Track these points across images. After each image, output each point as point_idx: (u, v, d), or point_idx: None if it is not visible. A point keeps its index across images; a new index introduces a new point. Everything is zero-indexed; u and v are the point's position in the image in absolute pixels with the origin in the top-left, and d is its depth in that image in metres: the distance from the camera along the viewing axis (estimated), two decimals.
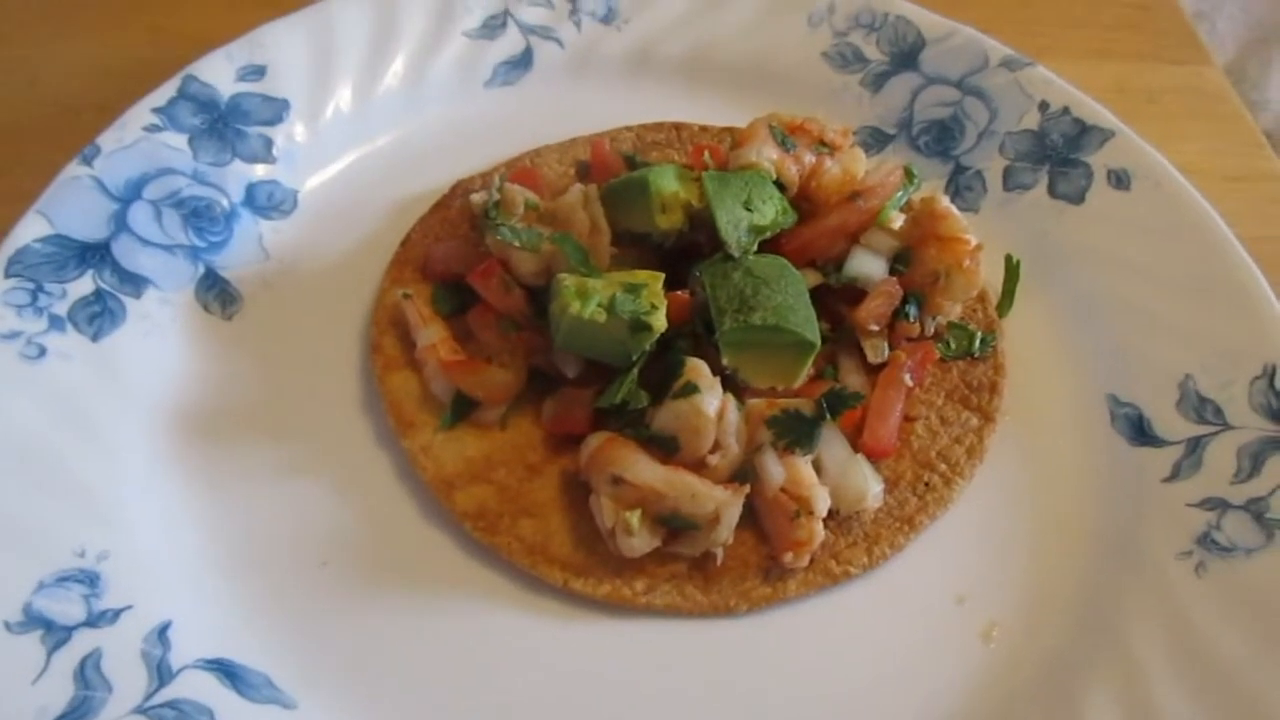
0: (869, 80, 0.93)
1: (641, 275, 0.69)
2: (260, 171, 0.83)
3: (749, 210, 0.73)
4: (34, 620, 0.56)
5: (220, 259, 0.79)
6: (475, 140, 0.90)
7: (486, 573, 0.66)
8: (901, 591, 0.66)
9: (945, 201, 0.75)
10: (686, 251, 0.75)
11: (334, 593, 0.64)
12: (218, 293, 0.77)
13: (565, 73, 0.95)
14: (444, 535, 0.67)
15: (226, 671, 0.58)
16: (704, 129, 0.91)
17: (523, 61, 0.94)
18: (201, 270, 0.78)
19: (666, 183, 0.74)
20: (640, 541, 0.63)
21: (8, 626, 0.56)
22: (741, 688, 0.62)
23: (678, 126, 0.92)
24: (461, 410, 0.70)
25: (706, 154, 0.80)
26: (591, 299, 0.66)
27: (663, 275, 0.69)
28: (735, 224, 0.72)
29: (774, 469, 0.65)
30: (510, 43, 0.94)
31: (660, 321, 0.67)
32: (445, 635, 0.63)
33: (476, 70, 0.93)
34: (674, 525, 0.64)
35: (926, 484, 0.69)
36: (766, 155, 0.76)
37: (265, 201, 0.83)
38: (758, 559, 0.66)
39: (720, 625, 0.65)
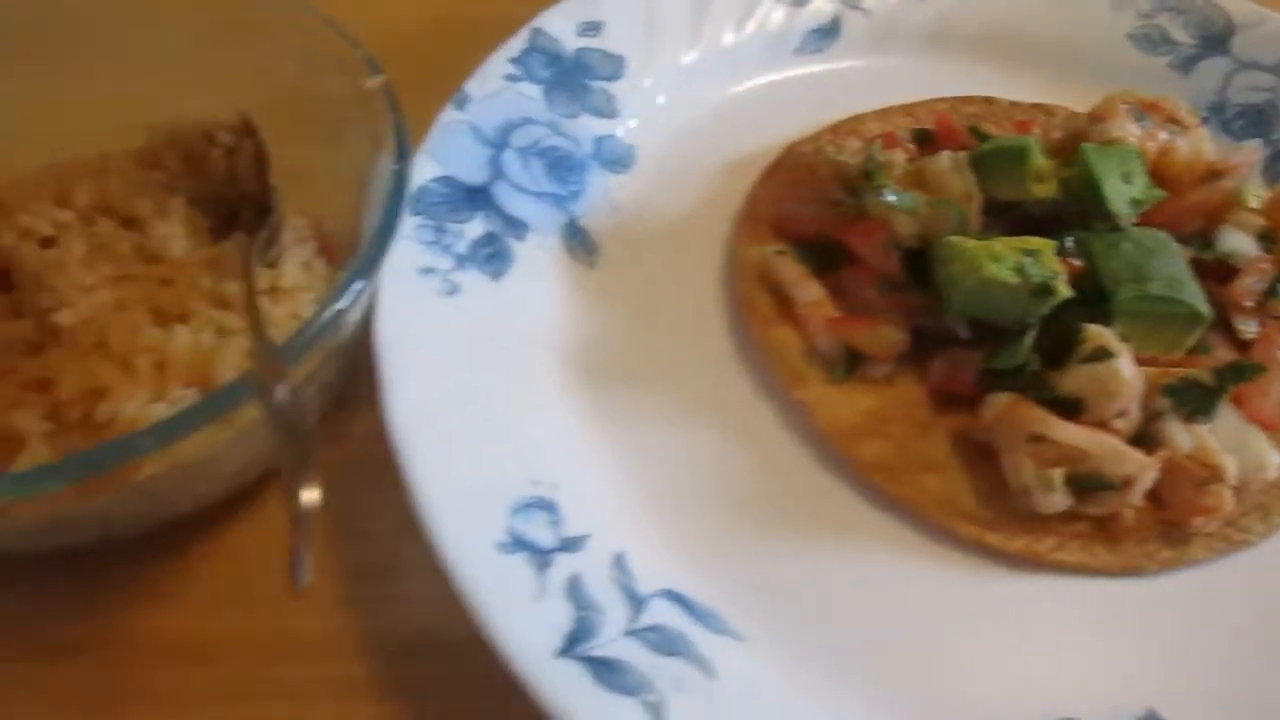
0: (1177, 63, 0.94)
1: (1034, 242, 0.71)
2: (605, 126, 0.85)
3: (1126, 183, 0.74)
4: (518, 542, 0.58)
5: (578, 208, 0.80)
6: (788, 106, 0.91)
7: (890, 524, 0.67)
8: None
9: None
10: (1048, 222, 0.76)
11: (752, 536, 0.66)
12: (579, 241, 0.79)
13: (869, 42, 0.96)
14: (842, 485, 0.69)
15: (682, 602, 0.60)
16: (1014, 104, 0.92)
17: (831, 30, 0.95)
18: (565, 218, 0.79)
19: (1037, 152, 0.75)
20: (1060, 499, 0.64)
21: (500, 547, 0.57)
22: (1146, 645, 0.64)
23: (989, 100, 0.93)
24: (851, 365, 0.72)
25: (1037, 128, 0.81)
26: (1004, 262, 0.68)
27: (1054, 243, 0.71)
28: (1118, 195, 0.73)
29: (1180, 436, 0.66)
30: (819, 10, 0.95)
31: (1063, 287, 0.68)
32: (859, 581, 0.64)
33: (788, 37, 0.94)
34: (1088, 485, 0.65)
35: None
36: (1130, 131, 0.77)
37: (609, 155, 0.84)
38: (1154, 523, 0.68)
39: (1118, 584, 0.66)
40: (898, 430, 0.70)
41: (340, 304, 0.53)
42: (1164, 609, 0.65)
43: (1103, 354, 0.66)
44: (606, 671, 0.54)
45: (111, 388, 0.55)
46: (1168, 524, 0.67)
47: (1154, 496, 0.68)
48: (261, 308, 0.53)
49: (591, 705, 0.52)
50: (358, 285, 0.54)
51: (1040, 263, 0.69)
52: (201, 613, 0.62)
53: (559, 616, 0.56)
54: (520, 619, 0.54)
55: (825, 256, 0.77)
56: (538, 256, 0.76)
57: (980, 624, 0.64)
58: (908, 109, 0.91)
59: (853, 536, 0.67)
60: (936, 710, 0.60)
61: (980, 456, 0.69)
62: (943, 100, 0.92)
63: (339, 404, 0.69)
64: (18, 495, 0.47)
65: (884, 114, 0.90)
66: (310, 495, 0.36)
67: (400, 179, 0.59)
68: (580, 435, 0.68)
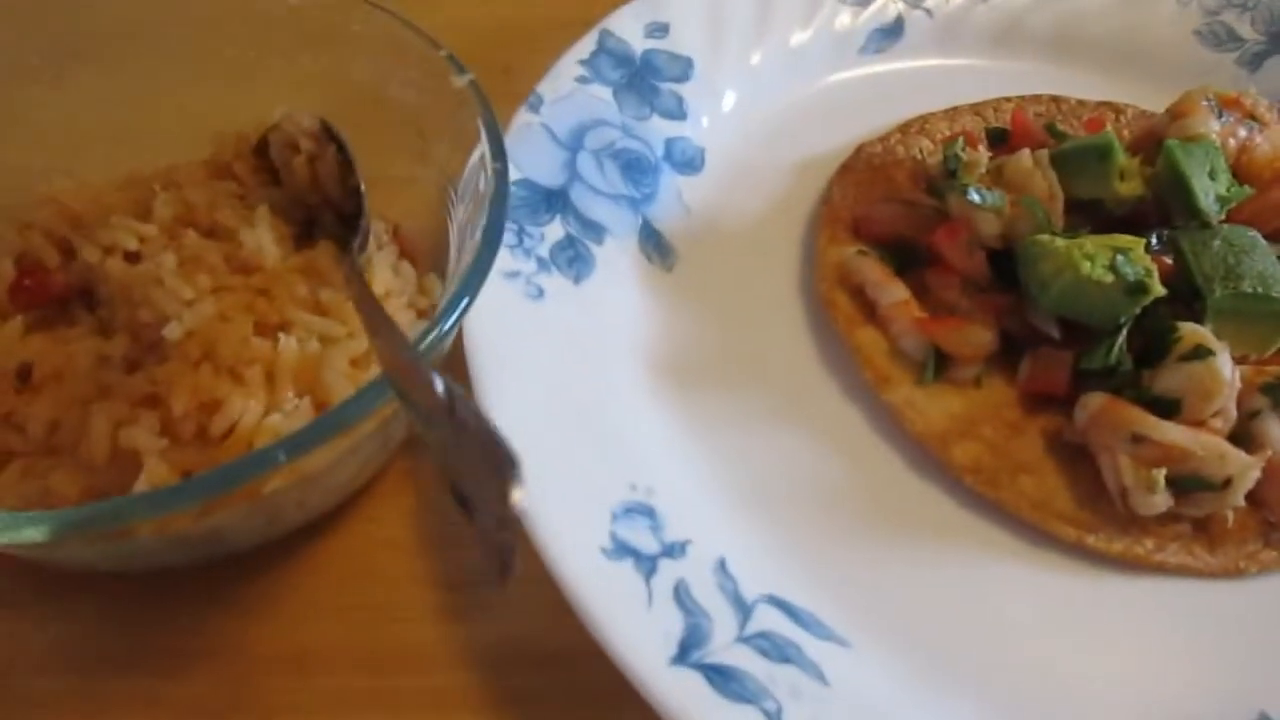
0: (1245, 59, 0.93)
1: (1123, 240, 0.70)
2: (675, 128, 0.84)
3: (1212, 180, 0.73)
4: (622, 549, 0.58)
5: (652, 211, 0.80)
6: (854, 106, 0.91)
7: (985, 526, 0.67)
8: None
9: None
10: (1128, 220, 0.76)
11: (848, 540, 0.65)
12: (655, 244, 0.79)
13: (933, 42, 0.96)
14: (934, 488, 0.68)
15: (785, 608, 0.60)
16: (1081, 103, 0.92)
17: (894, 30, 0.95)
18: (640, 221, 0.79)
19: (1120, 150, 0.74)
20: (1161, 500, 0.64)
21: (606, 554, 0.57)
22: (1253, 648, 0.63)
23: (1055, 99, 0.92)
24: (939, 367, 0.71)
25: (1109, 126, 0.81)
26: (1098, 260, 0.67)
27: (1143, 241, 0.70)
28: (1205, 193, 0.72)
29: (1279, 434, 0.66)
30: (882, 10, 0.95)
31: (1156, 285, 0.67)
32: (959, 585, 0.64)
33: (853, 37, 0.94)
34: (1189, 487, 0.65)
35: None
36: (1211, 127, 0.76)
37: (680, 157, 0.84)
38: (1254, 523, 0.67)
39: (1219, 586, 0.66)
40: (988, 432, 0.69)
41: (454, 316, 0.52)
42: (1268, 610, 0.64)
43: (1201, 352, 0.66)
44: (723, 679, 0.53)
45: (224, 400, 0.55)
46: (1268, 525, 0.67)
47: (1252, 497, 0.67)
48: (385, 310, 0.51)
49: (711, 714, 0.51)
50: (468, 298, 0.54)
51: (1132, 261, 0.68)
52: (301, 624, 0.61)
53: (670, 624, 0.55)
54: (633, 627, 0.54)
55: (906, 257, 0.76)
56: (617, 260, 0.75)
57: (1083, 626, 0.63)
58: (975, 108, 0.90)
59: (949, 540, 0.66)
60: (1044, 712, 0.59)
61: (1074, 458, 0.68)
62: (1009, 99, 0.91)
63: None
64: (153, 515, 0.46)
65: (952, 114, 0.90)
66: (517, 493, 0.35)
67: (501, 179, 0.58)
68: (670, 439, 0.67)
